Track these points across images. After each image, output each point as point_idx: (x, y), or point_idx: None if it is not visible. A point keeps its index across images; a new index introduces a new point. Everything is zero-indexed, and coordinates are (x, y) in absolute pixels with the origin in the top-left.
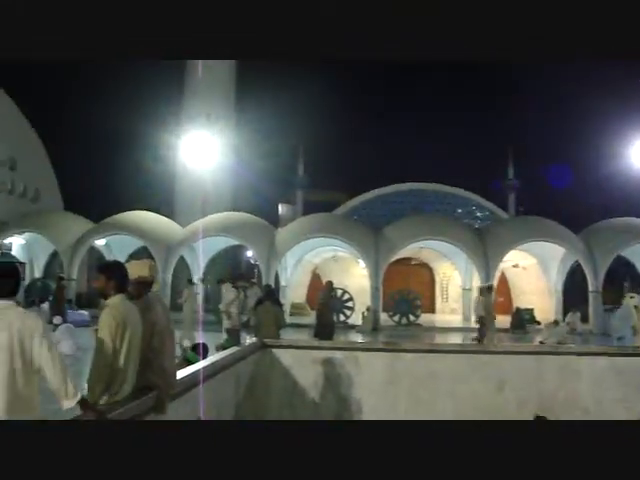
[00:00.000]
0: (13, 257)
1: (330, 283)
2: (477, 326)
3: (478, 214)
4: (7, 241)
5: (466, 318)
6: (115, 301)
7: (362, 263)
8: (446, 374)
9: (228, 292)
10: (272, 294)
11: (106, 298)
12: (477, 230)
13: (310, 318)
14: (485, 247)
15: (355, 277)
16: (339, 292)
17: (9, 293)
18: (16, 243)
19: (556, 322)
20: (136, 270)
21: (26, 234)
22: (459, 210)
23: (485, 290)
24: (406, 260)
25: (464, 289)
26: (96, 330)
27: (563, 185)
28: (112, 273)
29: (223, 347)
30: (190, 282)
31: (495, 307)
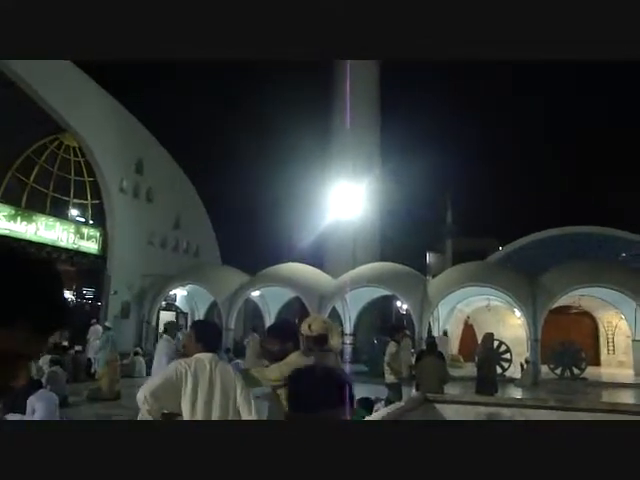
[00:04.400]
0: (177, 307)
1: (491, 335)
2: None
3: None
4: (172, 293)
5: (638, 372)
6: (293, 359)
7: (518, 312)
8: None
9: (390, 345)
10: (434, 347)
11: (282, 358)
12: None
13: (464, 370)
14: None
15: (510, 327)
16: (495, 343)
17: (216, 348)
18: (179, 294)
19: None
20: (316, 326)
21: (188, 286)
22: (623, 254)
23: None
24: (565, 309)
25: (634, 340)
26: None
27: None
28: (289, 336)
29: (388, 401)
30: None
31: None
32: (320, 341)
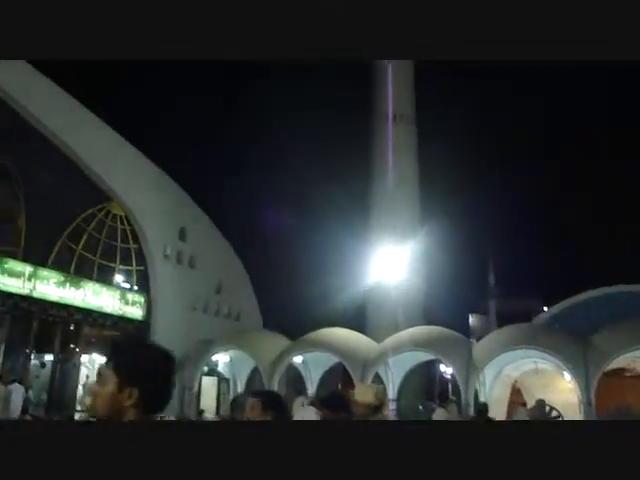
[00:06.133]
0: (219, 373)
1: (542, 402)
2: None
3: None
4: (214, 358)
5: None
6: None
7: (567, 376)
8: None
9: (439, 411)
10: (484, 413)
11: None
12: None
13: None
14: None
15: (559, 391)
16: (546, 409)
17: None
18: (221, 360)
19: None
20: (362, 395)
21: (230, 351)
22: None
23: None
24: (619, 372)
25: None
26: None
27: None
28: (341, 406)
29: None
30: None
31: None
32: (380, 409)
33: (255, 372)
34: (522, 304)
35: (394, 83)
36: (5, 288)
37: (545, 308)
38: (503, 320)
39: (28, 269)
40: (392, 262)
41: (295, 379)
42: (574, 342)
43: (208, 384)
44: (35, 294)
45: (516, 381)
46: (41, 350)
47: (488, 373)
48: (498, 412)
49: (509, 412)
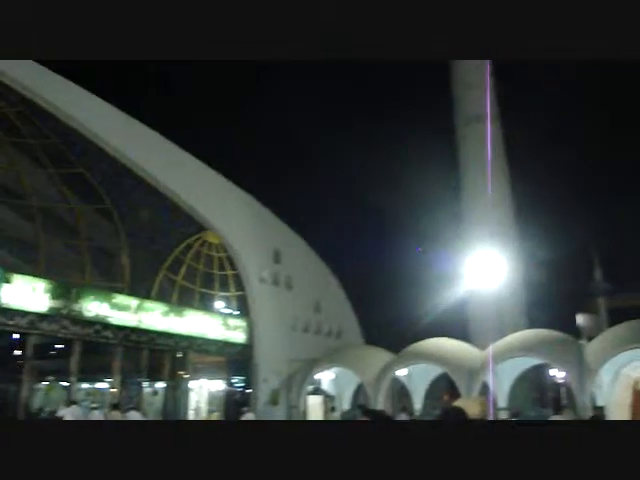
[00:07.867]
0: (324, 391)
1: None
2: None
3: None
4: (318, 377)
5: None
6: None
7: None
8: None
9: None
10: (601, 419)
11: None
12: None
13: None
14: None
15: None
16: None
17: None
18: (326, 378)
19: None
20: (469, 409)
21: (334, 369)
22: None
23: None
24: None
25: None
26: None
27: None
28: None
29: None
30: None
31: None
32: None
33: (360, 388)
34: (634, 299)
35: (474, 84)
36: (116, 322)
37: None
38: (615, 317)
39: (134, 302)
40: (490, 267)
41: (400, 392)
42: None
43: (314, 402)
44: (143, 325)
45: (637, 382)
46: (152, 378)
47: (604, 375)
48: (621, 415)
49: (634, 415)
